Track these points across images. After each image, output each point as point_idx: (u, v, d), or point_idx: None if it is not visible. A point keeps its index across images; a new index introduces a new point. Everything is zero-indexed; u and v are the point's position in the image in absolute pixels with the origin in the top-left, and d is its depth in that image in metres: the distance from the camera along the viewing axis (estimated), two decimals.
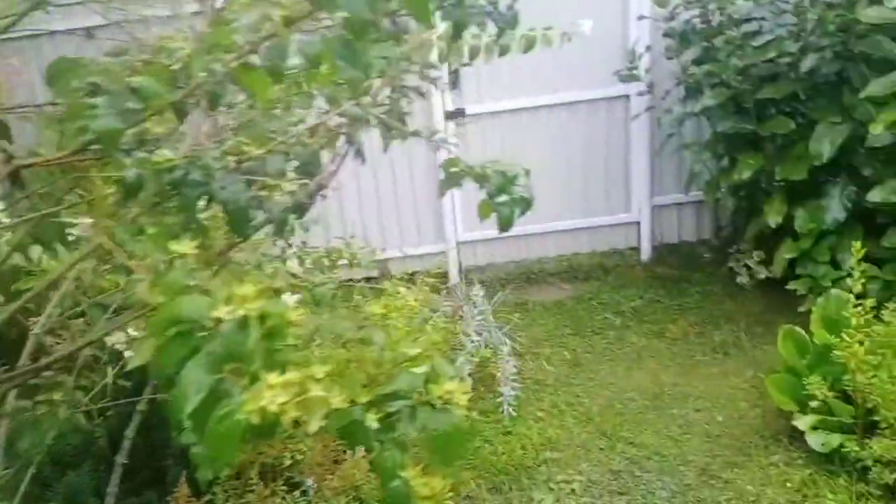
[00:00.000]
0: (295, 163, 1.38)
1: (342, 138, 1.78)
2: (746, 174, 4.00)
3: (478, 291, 4.77)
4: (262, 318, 0.84)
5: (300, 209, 1.70)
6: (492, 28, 1.97)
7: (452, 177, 1.51)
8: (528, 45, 2.48)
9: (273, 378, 0.73)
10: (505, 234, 5.43)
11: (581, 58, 5.00)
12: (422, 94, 1.65)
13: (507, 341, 4.45)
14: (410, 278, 4.89)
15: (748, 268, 4.70)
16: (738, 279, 4.77)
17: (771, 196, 4.13)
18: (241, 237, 1.41)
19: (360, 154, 1.53)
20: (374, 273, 5.47)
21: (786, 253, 4.02)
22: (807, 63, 3.73)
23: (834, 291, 3.45)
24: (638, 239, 5.48)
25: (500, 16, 1.70)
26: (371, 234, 5.40)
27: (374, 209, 5.38)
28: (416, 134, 1.54)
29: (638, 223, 5.43)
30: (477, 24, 1.67)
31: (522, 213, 1.52)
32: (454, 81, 5.03)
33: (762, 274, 4.56)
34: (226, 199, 1.34)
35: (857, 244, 2.81)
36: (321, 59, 1.00)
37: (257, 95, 1.17)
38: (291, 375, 0.81)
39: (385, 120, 1.46)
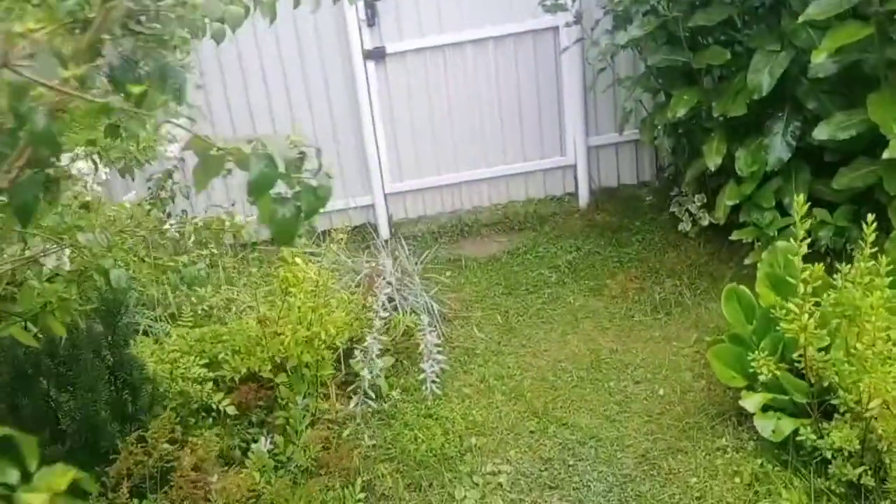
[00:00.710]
0: None
1: None
2: (681, 111, 3.61)
3: (404, 250, 4.39)
4: None
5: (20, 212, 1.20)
6: None
7: (210, 163, 1.05)
8: None
9: None
10: (436, 184, 5.07)
11: None
12: (165, 44, 1.18)
13: (435, 306, 4.09)
14: (332, 236, 4.51)
15: (691, 213, 4.36)
16: (681, 226, 4.42)
17: (710, 135, 3.75)
18: None
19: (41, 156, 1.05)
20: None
21: (728, 199, 3.66)
22: None
23: (780, 244, 3.10)
24: (575, 184, 5.09)
25: None
26: None
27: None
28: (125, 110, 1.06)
29: (574, 166, 5.04)
30: None
31: (312, 212, 1.07)
32: (371, 17, 4.52)
33: (705, 220, 4.22)
34: None
35: (800, 198, 2.41)
36: None
37: None
38: None
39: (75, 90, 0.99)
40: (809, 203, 2.48)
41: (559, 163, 5.03)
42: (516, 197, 5.14)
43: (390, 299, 4.04)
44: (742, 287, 3.11)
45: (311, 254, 3.98)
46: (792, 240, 2.50)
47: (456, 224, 5.08)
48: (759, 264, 3.14)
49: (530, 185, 5.11)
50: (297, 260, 3.06)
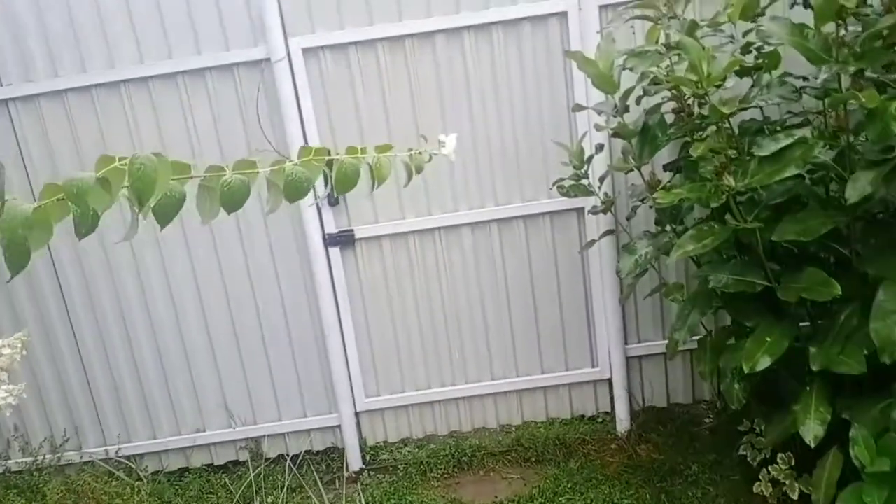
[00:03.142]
0: None
1: None
2: (764, 363, 2.39)
3: None
4: None
5: None
6: None
7: None
8: (345, 183, 1.46)
9: None
10: (425, 399, 3.88)
11: (514, 161, 3.51)
12: None
13: None
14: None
15: (769, 471, 3.07)
16: (758, 487, 3.12)
17: (805, 388, 2.52)
18: None
19: None
20: (245, 456, 3.92)
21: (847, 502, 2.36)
22: (858, 186, 2.13)
23: None
24: (611, 402, 3.87)
25: None
26: (235, 400, 3.82)
27: (235, 364, 3.78)
28: None
29: (609, 381, 3.83)
30: None
31: None
32: (333, 196, 3.49)
33: (795, 492, 2.93)
34: None
35: None
36: None
37: None
38: None
39: None
40: None
41: (589, 376, 3.83)
42: (533, 416, 3.92)
43: None
44: None
45: None
46: None
47: (452, 452, 3.84)
48: None
49: (552, 401, 3.90)
50: None
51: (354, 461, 3.82)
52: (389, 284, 3.67)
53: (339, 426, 3.82)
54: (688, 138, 2.72)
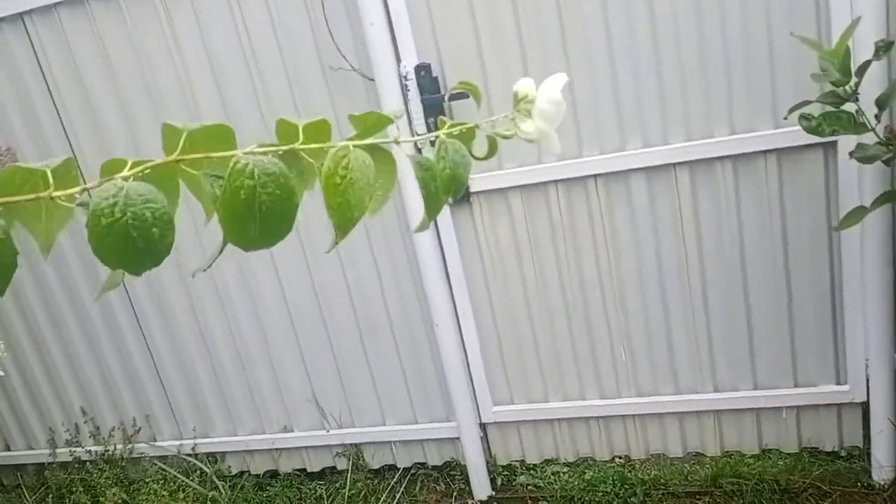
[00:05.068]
0: None
1: None
2: None
3: None
4: None
5: None
6: None
7: None
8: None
9: None
10: (577, 414, 2.72)
11: (721, 70, 2.20)
12: None
13: None
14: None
15: None
16: None
17: None
18: None
19: None
20: (343, 464, 3.08)
21: None
22: None
23: None
24: (865, 434, 2.55)
25: None
26: (326, 395, 2.96)
27: (323, 351, 2.88)
28: None
29: (863, 405, 2.49)
30: None
31: None
32: (432, 122, 2.39)
33: None
34: None
35: None
36: None
37: None
38: None
39: None
40: None
41: (831, 396, 2.51)
42: (738, 445, 2.69)
43: None
44: None
45: None
46: None
47: (617, 488, 2.73)
48: None
49: (768, 427, 2.64)
50: None
51: (481, 487, 2.82)
52: (522, 256, 2.54)
53: (458, 438, 2.84)
54: None
